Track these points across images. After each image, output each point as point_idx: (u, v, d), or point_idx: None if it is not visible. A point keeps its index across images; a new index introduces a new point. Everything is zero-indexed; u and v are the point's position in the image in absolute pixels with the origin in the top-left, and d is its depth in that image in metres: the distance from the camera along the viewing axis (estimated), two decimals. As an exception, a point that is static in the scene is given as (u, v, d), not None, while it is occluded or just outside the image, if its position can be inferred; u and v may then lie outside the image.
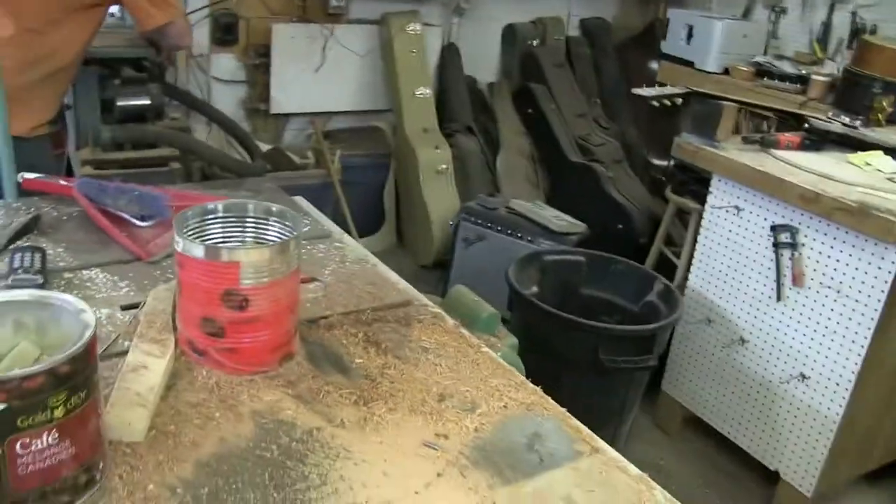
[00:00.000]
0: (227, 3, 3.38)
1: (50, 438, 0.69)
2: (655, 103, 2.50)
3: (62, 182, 1.43)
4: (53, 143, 2.60)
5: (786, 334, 2.12)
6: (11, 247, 1.24)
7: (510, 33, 4.03)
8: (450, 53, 3.84)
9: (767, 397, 2.20)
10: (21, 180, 1.46)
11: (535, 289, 2.29)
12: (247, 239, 1.04)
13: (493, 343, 1.38)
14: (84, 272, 1.21)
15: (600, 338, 1.96)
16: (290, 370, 0.99)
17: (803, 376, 2.09)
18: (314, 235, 1.43)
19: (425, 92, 3.58)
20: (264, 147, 3.36)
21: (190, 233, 0.97)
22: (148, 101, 2.76)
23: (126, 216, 1.38)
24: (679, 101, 2.49)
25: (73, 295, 0.80)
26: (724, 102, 2.21)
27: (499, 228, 3.06)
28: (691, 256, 2.42)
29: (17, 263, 1.15)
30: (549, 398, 0.99)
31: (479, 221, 3.13)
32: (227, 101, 3.54)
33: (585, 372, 2.02)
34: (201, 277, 0.93)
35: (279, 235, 1.03)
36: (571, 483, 0.83)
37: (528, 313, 2.10)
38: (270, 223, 1.04)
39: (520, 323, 2.12)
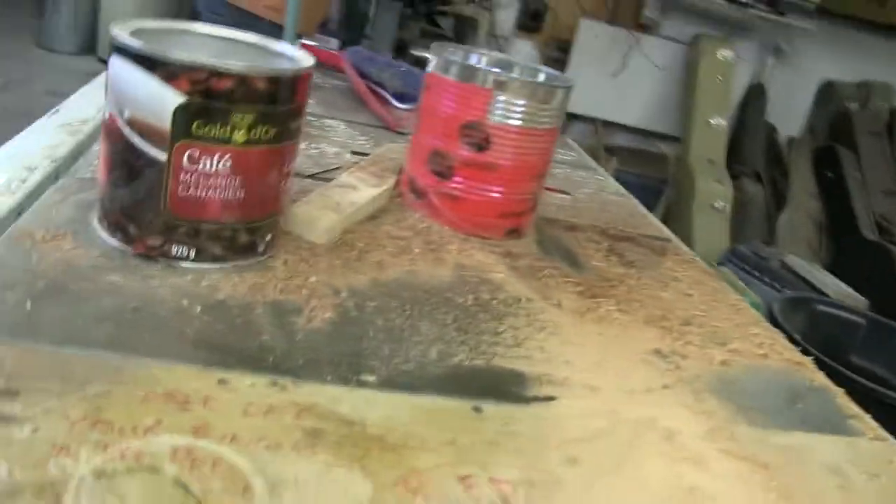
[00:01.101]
0: (542, -8, 3.33)
1: (221, 164, 0.56)
2: None
3: (334, 51, 1.38)
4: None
5: None
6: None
7: (827, 90, 3.61)
8: (755, 93, 3.51)
9: None
10: (299, 44, 1.43)
11: (796, 337, 1.93)
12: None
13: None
14: (327, 120, 1.11)
15: (867, 400, 1.57)
16: (514, 245, 0.81)
17: None
18: (577, 164, 1.25)
19: (721, 122, 3.28)
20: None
21: (448, 56, 0.82)
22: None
23: (386, 93, 1.28)
24: None
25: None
26: None
27: (766, 280, 2.69)
28: None
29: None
30: (823, 374, 0.72)
31: (746, 268, 2.77)
32: (516, 90, 3.48)
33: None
34: (445, 102, 0.77)
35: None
36: (843, 455, 0.56)
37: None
38: (538, 75, 0.86)
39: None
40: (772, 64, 3.54)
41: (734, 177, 3.35)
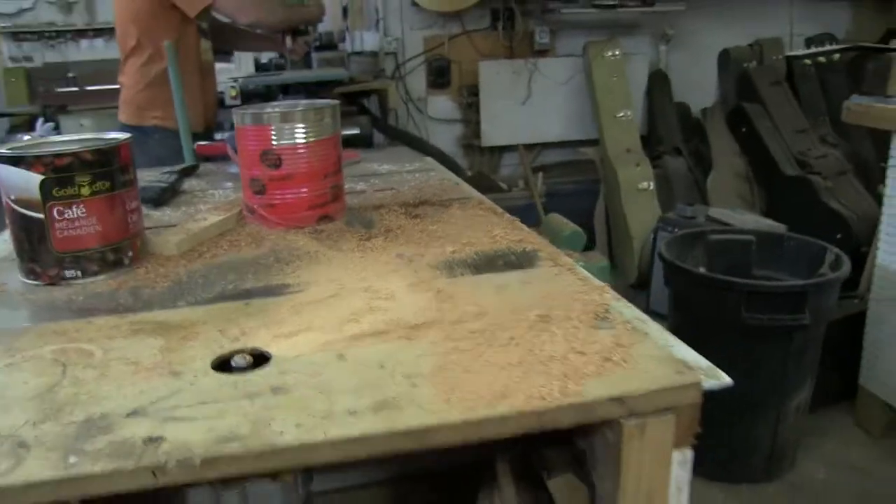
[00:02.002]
0: (441, 50, 3.73)
1: (79, 211, 0.91)
2: (808, 62, 2.33)
3: (219, 141, 1.74)
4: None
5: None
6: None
7: (725, 58, 3.96)
8: (657, 80, 3.86)
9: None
10: (195, 147, 1.79)
11: (702, 270, 2.22)
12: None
13: (574, 258, 1.42)
14: (211, 190, 1.47)
15: (742, 294, 1.86)
16: (325, 226, 1.14)
17: None
18: (422, 169, 1.58)
19: (627, 113, 3.63)
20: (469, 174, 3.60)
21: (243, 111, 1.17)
22: (357, 131, 3.12)
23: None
24: (836, 56, 2.29)
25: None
26: (893, 54, 2.03)
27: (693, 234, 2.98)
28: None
29: (156, 175, 1.43)
30: (544, 240, 1.03)
31: (676, 230, 3.07)
32: (446, 139, 3.86)
33: (729, 334, 1.91)
34: (248, 142, 1.12)
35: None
36: (514, 277, 0.88)
37: (677, 281, 2.05)
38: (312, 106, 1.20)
39: (674, 297, 2.07)
40: (665, 50, 3.91)
41: (657, 157, 3.68)
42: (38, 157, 0.88)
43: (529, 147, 3.84)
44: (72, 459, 0.53)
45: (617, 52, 3.65)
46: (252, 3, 2.35)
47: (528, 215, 3.53)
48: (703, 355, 0.70)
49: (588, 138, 3.84)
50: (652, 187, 3.48)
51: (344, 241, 1.06)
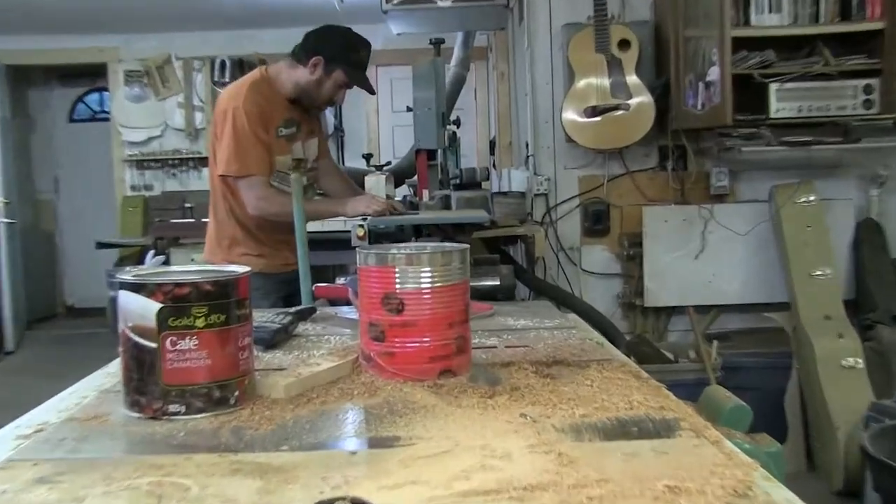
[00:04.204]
0: (599, 192, 3.89)
1: (191, 343, 1.06)
2: None
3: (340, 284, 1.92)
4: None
5: None
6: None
7: (956, 208, 3.90)
8: (868, 231, 3.83)
9: None
10: (314, 289, 1.97)
11: (911, 471, 2.15)
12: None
13: (737, 437, 1.46)
14: (327, 336, 1.62)
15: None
16: (447, 383, 1.24)
17: None
18: (561, 326, 1.69)
19: (826, 272, 3.61)
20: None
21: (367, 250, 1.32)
22: (497, 283, 3.28)
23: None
24: None
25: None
26: None
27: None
28: None
29: (269, 316, 1.60)
30: (690, 410, 1.09)
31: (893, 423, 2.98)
32: (602, 296, 3.95)
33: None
34: (369, 283, 1.26)
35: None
36: (647, 446, 0.94)
37: (889, 486, 2.00)
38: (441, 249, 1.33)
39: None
40: (877, 194, 3.87)
41: (868, 327, 3.61)
42: (159, 286, 1.05)
43: (702, 309, 3.85)
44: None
45: (812, 198, 3.68)
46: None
47: (699, 392, 3.51)
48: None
49: (776, 301, 3.82)
50: (861, 365, 3.40)
51: (465, 397, 1.16)
